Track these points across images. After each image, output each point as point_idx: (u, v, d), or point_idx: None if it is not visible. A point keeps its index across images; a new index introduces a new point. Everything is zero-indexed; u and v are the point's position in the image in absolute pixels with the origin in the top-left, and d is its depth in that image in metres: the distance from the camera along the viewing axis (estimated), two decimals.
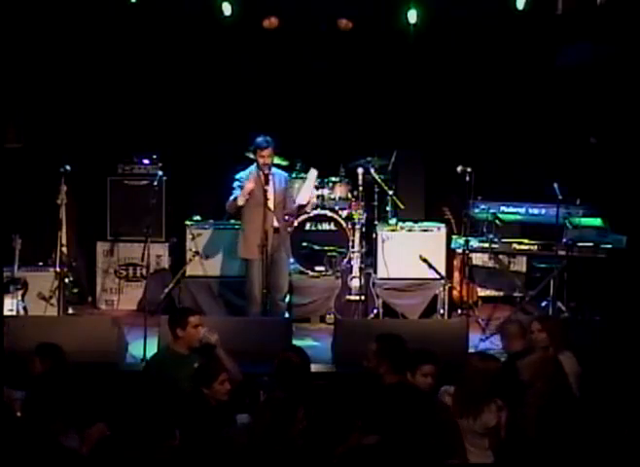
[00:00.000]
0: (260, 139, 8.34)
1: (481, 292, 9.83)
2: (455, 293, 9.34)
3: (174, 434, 5.10)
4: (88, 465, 5.09)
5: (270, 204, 8.32)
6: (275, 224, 8.38)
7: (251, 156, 8.94)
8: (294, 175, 9.51)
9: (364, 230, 9.35)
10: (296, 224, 9.22)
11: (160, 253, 9.92)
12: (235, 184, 8.46)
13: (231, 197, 8.43)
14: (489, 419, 5.70)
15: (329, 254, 9.54)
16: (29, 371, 6.08)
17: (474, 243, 9.22)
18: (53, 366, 5.90)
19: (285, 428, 4.96)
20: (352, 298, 9.19)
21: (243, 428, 5.46)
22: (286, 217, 8.62)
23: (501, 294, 9.95)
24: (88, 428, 5.30)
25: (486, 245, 9.32)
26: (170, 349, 6.65)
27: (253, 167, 8.46)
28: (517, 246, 9.35)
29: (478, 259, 9.78)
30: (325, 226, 9.62)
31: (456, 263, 9.51)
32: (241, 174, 8.50)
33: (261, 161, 8.34)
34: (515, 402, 5.82)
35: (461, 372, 5.86)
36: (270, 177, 8.37)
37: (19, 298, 8.74)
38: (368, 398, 5.85)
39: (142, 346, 7.79)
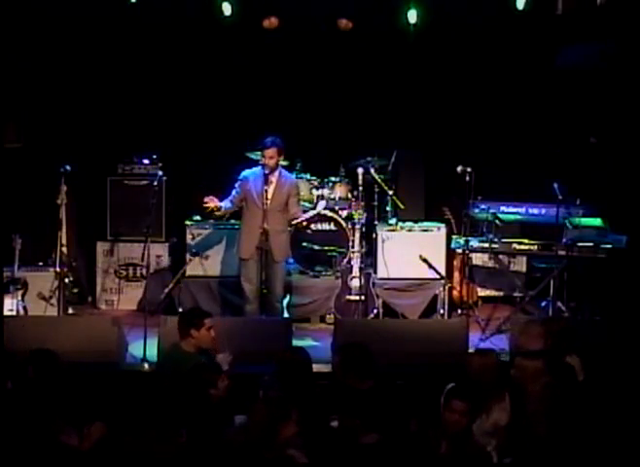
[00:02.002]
0: (266, 139, 8.33)
1: (481, 292, 9.82)
2: (455, 293, 9.34)
3: (181, 431, 5.11)
4: (87, 462, 5.11)
5: (267, 206, 8.30)
6: (265, 226, 8.32)
7: (252, 156, 8.97)
8: (294, 175, 9.50)
9: (364, 230, 9.35)
10: (305, 223, 9.13)
11: (159, 253, 9.92)
12: (236, 184, 8.46)
13: (225, 201, 8.44)
14: (500, 418, 5.70)
15: (329, 254, 9.54)
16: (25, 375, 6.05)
17: (474, 243, 9.22)
18: (42, 371, 5.86)
19: (278, 427, 4.96)
20: (352, 298, 9.18)
21: (240, 428, 5.47)
22: (293, 222, 8.58)
23: (501, 294, 9.95)
24: (87, 427, 5.31)
25: (486, 245, 9.31)
26: (179, 348, 6.65)
27: (259, 167, 8.45)
28: (517, 246, 9.35)
29: (478, 259, 9.77)
30: (325, 226, 9.62)
31: (456, 263, 9.50)
32: (245, 174, 8.48)
33: (262, 161, 8.34)
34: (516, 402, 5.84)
35: (465, 372, 5.86)
36: (274, 179, 8.36)
37: (19, 298, 8.74)
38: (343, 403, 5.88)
39: (142, 346, 7.78)
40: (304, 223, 8.66)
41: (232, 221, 9.52)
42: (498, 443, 5.70)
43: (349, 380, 6.02)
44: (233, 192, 8.46)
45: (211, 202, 8.34)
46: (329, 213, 9.57)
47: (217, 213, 8.56)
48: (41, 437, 5.11)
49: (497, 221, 9.31)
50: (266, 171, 8.30)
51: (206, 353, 6.61)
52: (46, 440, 5.10)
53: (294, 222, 8.57)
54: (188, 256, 9.59)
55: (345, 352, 6.17)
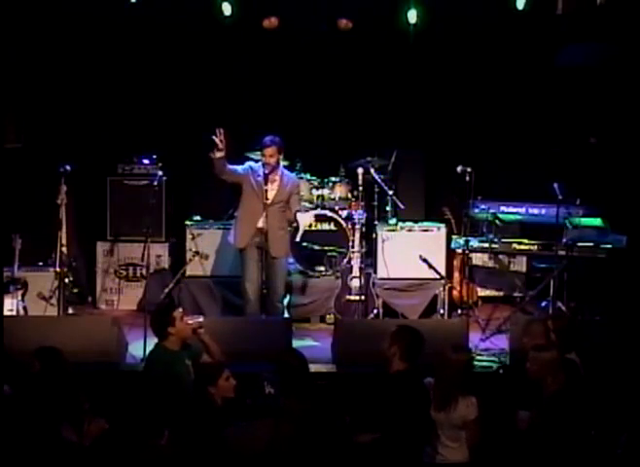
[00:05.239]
0: (265, 138, 8.33)
1: (481, 292, 9.83)
2: (455, 293, 9.34)
3: (163, 433, 5.13)
4: (86, 458, 5.14)
5: (267, 204, 8.29)
6: (260, 224, 8.28)
7: (252, 156, 8.97)
8: (294, 174, 9.51)
9: (364, 230, 9.35)
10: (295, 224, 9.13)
11: (159, 253, 9.93)
12: (241, 167, 8.45)
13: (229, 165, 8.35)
14: (467, 412, 5.79)
15: (329, 254, 9.54)
16: (29, 372, 6.07)
17: (474, 243, 9.22)
18: (48, 367, 5.88)
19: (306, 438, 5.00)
20: (352, 298, 9.18)
21: (242, 428, 5.47)
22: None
23: (501, 294, 9.96)
24: (87, 423, 5.34)
25: (486, 245, 9.32)
26: (164, 348, 6.60)
27: (259, 163, 8.44)
28: (517, 246, 9.35)
29: (478, 259, 9.77)
30: (325, 226, 9.62)
31: (456, 263, 9.51)
32: (249, 165, 8.49)
33: (263, 160, 8.34)
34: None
35: (437, 364, 5.94)
36: (277, 177, 8.38)
37: (19, 298, 8.74)
38: (370, 388, 5.93)
39: (142, 346, 7.77)
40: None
41: (232, 221, 9.51)
42: (467, 436, 5.80)
43: (392, 350, 6.07)
44: (237, 168, 8.41)
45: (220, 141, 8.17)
46: (329, 213, 9.57)
47: (218, 153, 8.23)
48: (42, 433, 5.13)
49: (497, 221, 9.32)
50: (267, 170, 8.31)
51: (187, 347, 6.62)
52: (47, 436, 5.12)
53: (294, 224, 8.56)
54: (188, 256, 9.59)
55: (404, 327, 6.33)
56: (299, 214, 8.47)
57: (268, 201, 8.28)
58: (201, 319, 6.79)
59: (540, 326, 6.66)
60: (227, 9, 9.62)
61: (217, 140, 8.17)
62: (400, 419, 5.75)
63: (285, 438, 5.07)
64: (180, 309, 6.72)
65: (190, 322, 6.67)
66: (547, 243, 9.15)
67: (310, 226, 8.66)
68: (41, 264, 9.37)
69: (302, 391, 5.75)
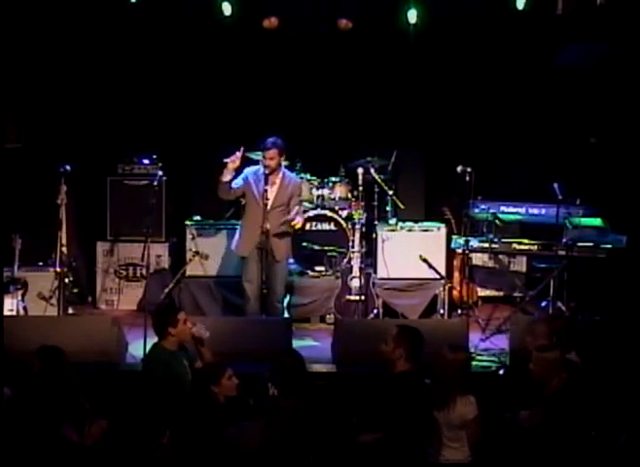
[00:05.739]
0: (266, 140, 8.32)
1: (481, 292, 9.83)
2: (455, 293, 9.34)
3: (164, 432, 5.14)
4: (88, 457, 5.16)
5: (268, 205, 8.28)
6: (267, 226, 8.28)
7: (252, 156, 8.97)
8: (295, 174, 9.51)
9: (364, 230, 9.34)
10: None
11: (160, 253, 9.93)
12: (239, 178, 8.43)
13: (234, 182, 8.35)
14: (466, 412, 5.79)
15: (329, 254, 9.54)
16: (29, 371, 6.08)
17: (474, 243, 9.22)
18: (49, 367, 5.89)
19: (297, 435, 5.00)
20: (352, 298, 9.18)
21: (242, 428, 5.48)
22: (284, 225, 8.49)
23: (501, 294, 9.96)
24: (89, 424, 5.35)
25: (486, 245, 9.31)
26: (162, 348, 6.61)
27: (260, 166, 8.45)
28: (517, 246, 9.35)
29: (478, 259, 9.77)
30: (325, 226, 9.62)
31: (456, 263, 9.51)
32: (247, 172, 8.47)
33: (263, 161, 8.34)
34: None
35: (435, 364, 5.94)
36: (277, 180, 8.37)
37: (19, 298, 8.74)
38: (374, 388, 5.93)
39: (142, 346, 7.76)
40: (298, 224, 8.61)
41: (233, 221, 9.53)
42: (468, 435, 5.78)
43: (396, 353, 6.07)
44: (237, 183, 8.41)
45: (232, 163, 8.20)
46: (329, 213, 9.58)
47: (227, 176, 8.24)
48: (43, 433, 5.14)
49: (497, 221, 9.32)
50: (267, 172, 8.31)
51: (184, 349, 6.64)
52: (48, 436, 5.13)
53: (292, 223, 8.53)
54: (188, 256, 9.60)
55: (405, 327, 6.35)
56: (292, 213, 8.43)
57: (269, 202, 8.27)
58: (206, 333, 6.73)
59: (543, 326, 6.67)
60: (227, 9, 9.62)
61: (229, 160, 8.16)
62: (405, 420, 5.75)
63: (276, 437, 5.06)
64: (183, 312, 6.74)
65: (194, 330, 6.66)
66: (547, 243, 9.15)
67: (297, 228, 8.58)
68: (41, 264, 9.37)
69: (298, 391, 5.76)
